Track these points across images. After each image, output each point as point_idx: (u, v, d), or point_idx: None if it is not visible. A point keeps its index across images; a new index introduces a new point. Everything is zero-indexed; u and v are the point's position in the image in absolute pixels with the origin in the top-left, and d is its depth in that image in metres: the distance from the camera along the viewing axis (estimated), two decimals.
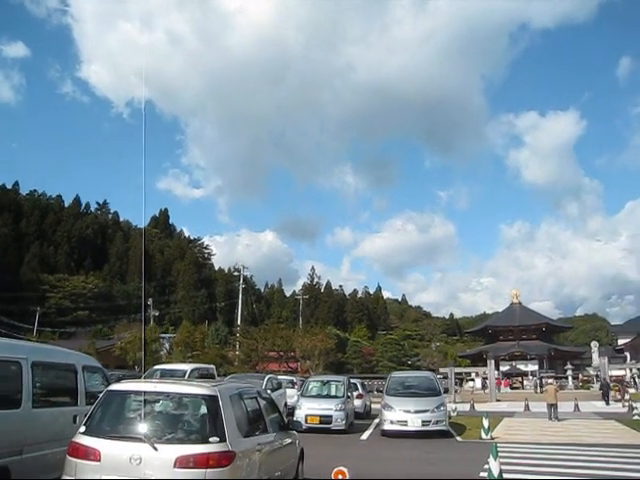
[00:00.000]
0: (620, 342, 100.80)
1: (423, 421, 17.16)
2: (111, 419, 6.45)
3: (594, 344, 59.95)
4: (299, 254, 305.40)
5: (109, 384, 7.61)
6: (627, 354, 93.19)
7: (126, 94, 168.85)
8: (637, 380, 49.59)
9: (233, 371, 40.81)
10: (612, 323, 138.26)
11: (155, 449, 5.79)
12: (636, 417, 24.51)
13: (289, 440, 8.52)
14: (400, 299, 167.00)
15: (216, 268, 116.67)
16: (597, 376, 50.71)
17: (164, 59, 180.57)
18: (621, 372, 51.69)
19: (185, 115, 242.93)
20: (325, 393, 20.05)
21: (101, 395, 6.80)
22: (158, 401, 6.52)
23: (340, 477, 7.02)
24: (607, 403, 35.19)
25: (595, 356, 55.41)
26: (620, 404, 33.44)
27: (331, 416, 18.08)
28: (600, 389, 39.20)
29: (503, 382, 63.63)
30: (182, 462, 5.74)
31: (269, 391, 18.44)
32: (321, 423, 18.03)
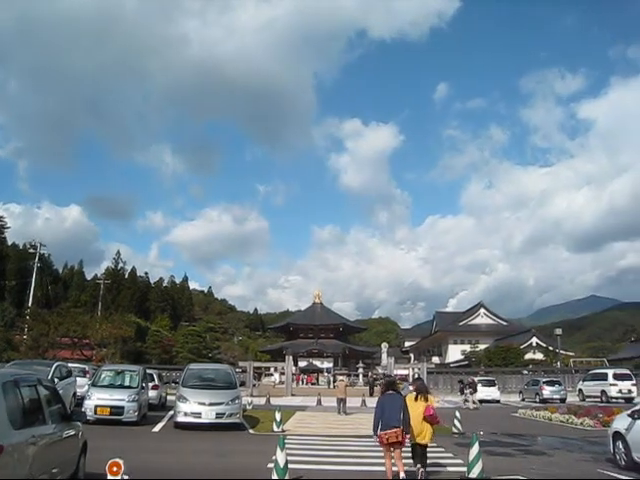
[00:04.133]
0: (407, 344, 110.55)
1: (217, 413, 17.11)
2: None
3: (384, 345, 64.61)
4: (106, 234, 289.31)
5: None
6: (412, 355, 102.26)
7: None
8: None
9: (18, 357, 37.44)
10: (402, 327, 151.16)
11: None
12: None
13: (71, 432, 7.94)
14: (206, 291, 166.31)
15: (9, 242, 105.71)
16: (384, 374, 54.62)
17: None
18: (405, 371, 56.36)
19: None
20: (118, 383, 19.10)
21: None
22: None
23: (115, 469, 6.64)
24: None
25: (384, 356, 59.71)
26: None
27: (123, 407, 17.30)
28: (366, 384, 43.77)
29: (306, 378, 66.16)
30: None
31: (57, 380, 17.22)
32: (112, 414, 17.21)
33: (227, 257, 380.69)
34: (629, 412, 11.94)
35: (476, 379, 39.53)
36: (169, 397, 25.59)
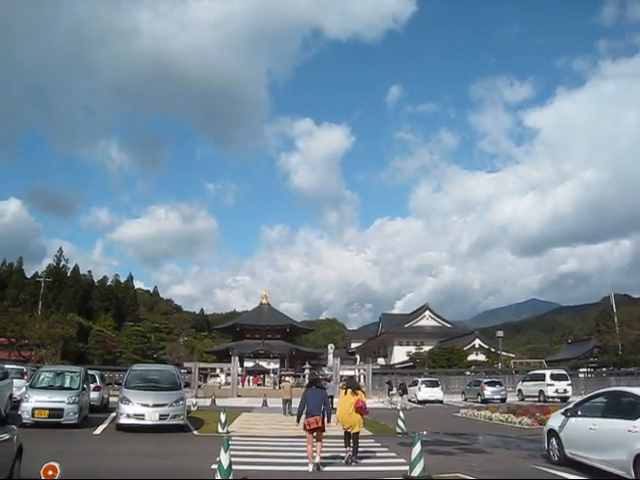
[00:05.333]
0: (353, 345, 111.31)
1: (161, 415, 16.84)
2: None
3: (330, 346, 65.07)
4: (48, 230, 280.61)
5: None
6: (358, 356, 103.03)
7: None
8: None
9: None
10: (349, 328, 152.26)
11: None
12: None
13: (5, 436, 7.67)
14: (152, 290, 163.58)
15: None
16: (314, 373, 54.89)
17: None
18: (351, 372, 56.77)
19: None
20: (58, 384, 18.53)
21: None
22: None
23: (50, 473, 6.48)
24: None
25: (330, 357, 60.07)
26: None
27: (62, 409, 16.81)
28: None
29: (252, 379, 65.89)
30: None
31: None
32: (51, 417, 16.67)
33: (174, 256, 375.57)
34: (562, 410, 12.43)
35: (420, 380, 40.32)
36: (112, 398, 25.03)
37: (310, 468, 11.22)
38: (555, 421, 12.49)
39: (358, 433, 12.40)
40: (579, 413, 11.62)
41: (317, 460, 11.37)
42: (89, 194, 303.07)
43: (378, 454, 14.17)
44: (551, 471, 11.44)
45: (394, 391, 33.67)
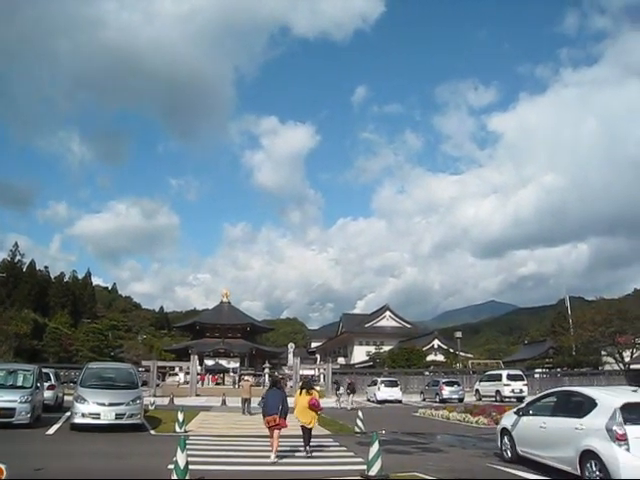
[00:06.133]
0: (314, 345, 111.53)
1: (117, 414, 16.56)
2: None
3: (291, 345, 65.00)
4: (3, 224, 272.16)
5: None
6: (318, 356, 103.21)
7: None
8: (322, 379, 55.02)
9: None
10: (310, 327, 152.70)
11: None
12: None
13: None
14: (111, 287, 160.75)
15: None
16: (273, 374, 54.89)
17: None
18: (311, 372, 56.91)
19: None
20: (10, 383, 18.02)
21: None
22: None
23: None
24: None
25: (290, 357, 60.02)
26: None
27: (14, 409, 16.36)
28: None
29: (210, 378, 65.32)
30: None
31: None
32: (1, 417, 16.18)
33: (134, 252, 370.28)
34: (515, 410, 12.85)
35: (379, 379, 40.59)
36: (67, 397, 24.46)
37: (272, 456, 12.41)
38: (508, 420, 12.85)
39: (312, 428, 13.65)
40: (530, 412, 12.01)
41: (273, 458, 12.38)
42: (47, 187, 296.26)
43: (336, 453, 14.24)
44: (505, 469, 11.71)
45: (341, 391, 33.87)
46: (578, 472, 9.51)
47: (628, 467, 8.60)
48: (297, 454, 13.54)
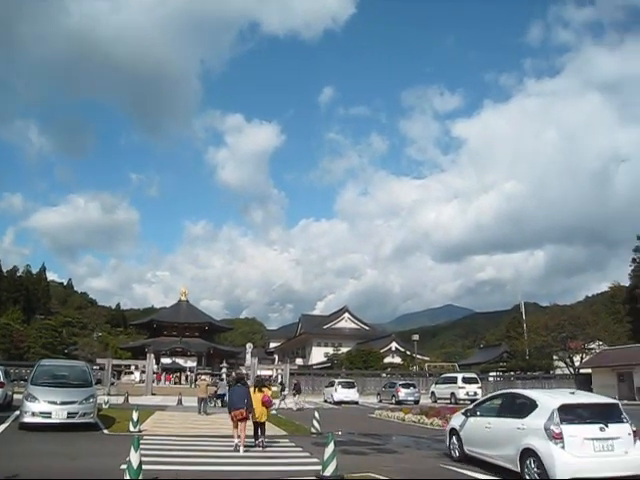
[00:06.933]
0: (272, 345, 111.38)
1: (69, 413, 16.21)
2: None
3: (249, 345, 64.87)
4: None
5: None
6: (276, 356, 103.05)
7: None
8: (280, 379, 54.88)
9: None
10: (269, 328, 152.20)
11: None
12: (273, 412, 26.98)
13: None
14: (66, 283, 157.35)
15: None
16: (238, 373, 54.65)
17: None
18: (269, 372, 56.74)
19: None
20: None
21: None
22: None
23: None
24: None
25: (248, 357, 59.83)
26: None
27: None
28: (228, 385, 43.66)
29: (165, 376, 64.54)
30: None
31: None
32: None
33: (92, 248, 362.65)
34: (463, 411, 13.38)
35: (336, 381, 40.77)
36: (17, 396, 23.79)
37: (235, 442, 14.08)
38: (456, 421, 13.40)
39: (265, 422, 15.15)
40: (477, 413, 12.54)
41: (241, 451, 13.79)
42: (2, 178, 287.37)
43: (292, 454, 14.27)
44: (456, 469, 11.95)
45: (286, 391, 34.00)
46: (518, 468, 10.07)
47: (563, 464, 9.21)
48: (252, 454, 13.57)
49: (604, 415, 9.93)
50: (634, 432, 9.81)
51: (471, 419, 12.55)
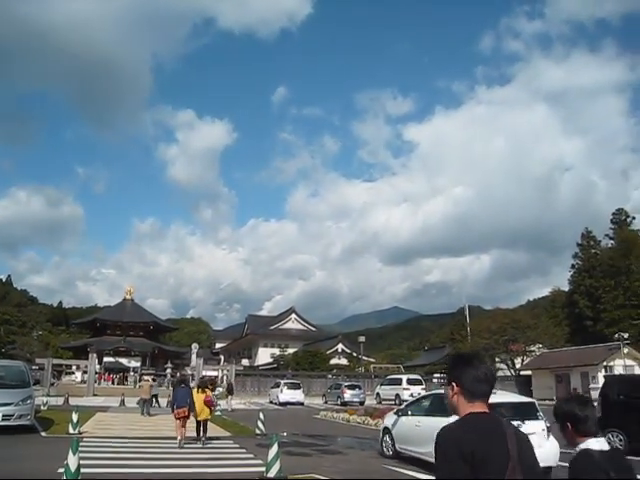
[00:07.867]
0: (218, 345, 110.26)
1: (4, 415, 15.74)
2: None
3: (194, 346, 64.17)
4: None
5: None
6: (222, 357, 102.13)
7: None
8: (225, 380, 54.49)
9: None
10: (215, 328, 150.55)
11: None
12: (218, 413, 26.79)
13: None
14: (5, 279, 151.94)
15: None
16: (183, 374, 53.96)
17: None
18: (215, 373, 56.26)
19: None
20: None
21: None
22: None
23: None
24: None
25: (194, 357, 59.18)
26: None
27: None
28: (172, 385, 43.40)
29: (105, 376, 63.15)
30: None
31: None
32: None
33: (33, 243, 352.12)
34: (395, 410, 14.24)
35: (282, 382, 40.81)
36: None
37: (178, 439, 14.97)
38: (389, 420, 14.11)
39: (207, 420, 16.24)
40: (409, 413, 13.21)
41: (182, 440, 14.90)
42: None
43: (235, 455, 14.24)
44: (398, 469, 12.18)
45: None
46: None
47: None
48: (195, 455, 13.46)
49: (521, 413, 10.81)
50: (548, 428, 10.70)
51: (402, 418, 13.16)
